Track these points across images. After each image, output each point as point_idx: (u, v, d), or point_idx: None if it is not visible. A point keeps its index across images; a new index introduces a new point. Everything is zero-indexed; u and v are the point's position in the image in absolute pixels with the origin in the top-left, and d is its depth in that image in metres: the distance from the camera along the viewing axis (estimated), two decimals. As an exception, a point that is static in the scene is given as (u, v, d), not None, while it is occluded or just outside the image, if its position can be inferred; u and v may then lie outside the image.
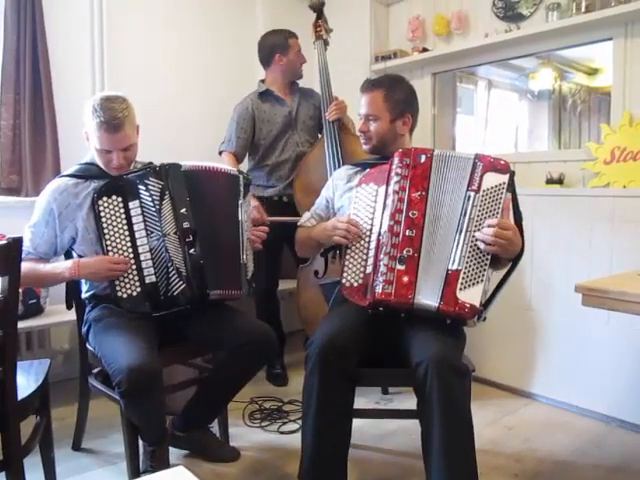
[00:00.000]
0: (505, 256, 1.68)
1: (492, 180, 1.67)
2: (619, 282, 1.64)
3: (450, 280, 1.63)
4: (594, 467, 2.07)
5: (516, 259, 1.72)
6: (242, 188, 2.00)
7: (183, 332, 1.96)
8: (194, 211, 1.91)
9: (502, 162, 1.70)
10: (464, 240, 1.64)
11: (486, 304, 1.67)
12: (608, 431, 2.36)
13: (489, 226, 1.61)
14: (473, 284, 1.62)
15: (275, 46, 2.92)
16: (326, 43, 2.97)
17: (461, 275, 1.62)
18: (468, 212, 1.66)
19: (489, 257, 1.64)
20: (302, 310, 2.80)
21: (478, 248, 1.64)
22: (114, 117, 1.80)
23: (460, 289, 1.61)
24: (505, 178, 1.67)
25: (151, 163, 1.97)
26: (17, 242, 1.41)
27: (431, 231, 1.70)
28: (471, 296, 1.61)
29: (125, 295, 1.85)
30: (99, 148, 1.86)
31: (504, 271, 1.75)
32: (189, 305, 1.89)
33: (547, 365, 2.63)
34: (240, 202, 1.98)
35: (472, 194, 1.67)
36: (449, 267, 1.64)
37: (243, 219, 1.98)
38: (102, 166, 1.91)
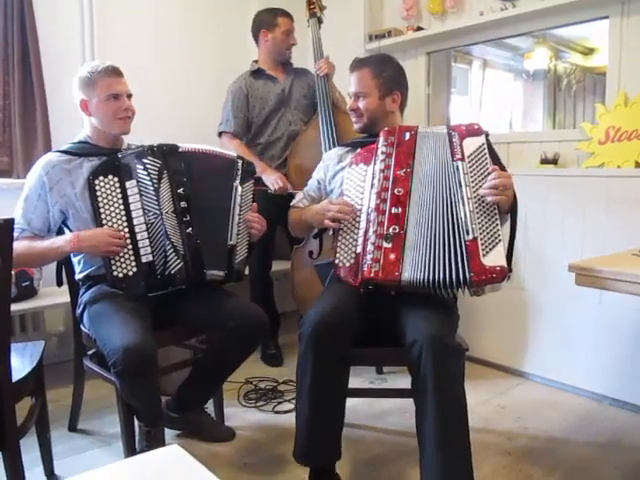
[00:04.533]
0: (506, 205, 1.69)
1: (472, 145, 1.72)
2: (612, 262, 1.65)
3: (472, 250, 1.62)
4: (586, 444, 2.10)
5: (514, 211, 1.74)
6: (240, 172, 2.00)
7: (177, 314, 1.96)
8: (191, 191, 1.91)
9: (475, 126, 1.75)
10: (469, 208, 1.65)
11: (508, 262, 1.66)
12: (600, 409, 2.39)
13: (491, 179, 1.65)
14: (493, 246, 1.62)
15: (262, 22, 2.90)
16: (320, 21, 2.94)
17: (479, 242, 1.62)
18: (462, 181, 1.67)
19: (498, 216, 1.65)
20: (296, 291, 2.80)
21: (485, 212, 1.64)
22: (114, 65, 1.93)
23: (483, 255, 1.61)
24: (482, 139, 1.72)
25: (145, 146, 1.96)
26: (8, 223, 1.40)
27: (419, 207, 1.70)
28: (496, 259, 1.61)
29: (121, 275, 1.84)
30: (108, 94, 1.89)
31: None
32: (185, 285, 1.89)
33: (540, 344, 2.66)
34: (235, 185, 1.97)
35: (459, 164, 1.69)
36: (465, 238, 1.63)
37: (236, 202, 1.97)
38: (107, 123, 1.92)
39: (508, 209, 1.72)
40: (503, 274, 1.60)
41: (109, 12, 2.97)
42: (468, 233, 1.63)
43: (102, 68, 1.90)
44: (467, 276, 1.60)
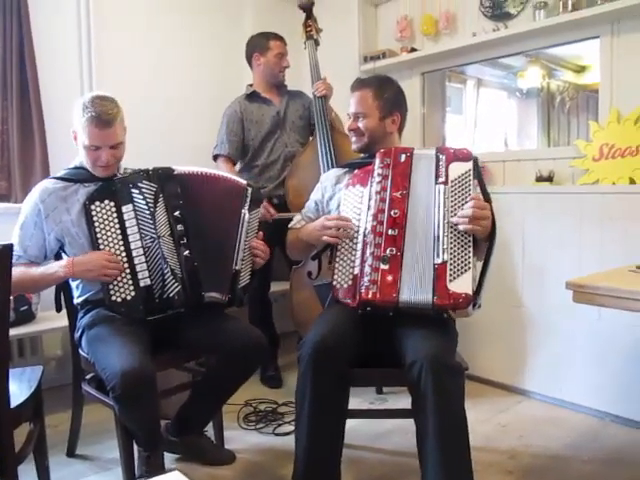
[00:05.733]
0: (483, 235, 1.69)
1: (458, 170, 1.73)
2: (609, 278, 1.65)
3: (439, 274, 1.64)
4: (588, 461, 2.09)
5: (492, 240, 1.73)
6: (249, 200, 2.01)
7: (176, 337, 1.95)
8: (188, 214, 1.92)
9: (464, 151, 1.75)
10: (443, 232, 1.67)
11: (477, 290, 1.67)
12: (601, 426, 2.38)
13: (467, 208, 1.65)
14: (461, 273, 1.63)
15: (255, 46, 2.95)
16: (317, 43, 2.98)
17: (448, 267, 1.64)
18: (441, 205, 1.69)
19: (471, 244, 1.66)
20: (295, 311, 2.80)
21: (459, 238, 1.66)
22: (105, 112, 1.81)
23: (450, 280, 1.63)
24: (470, 165, 1.73)
25: (141, 170, 1.97)
26: (7, 249, 1.40)
27: (413, 229, 1.71)
28: (462, 285, 1.62)
29: (119, 299, 1.83)
30: (88, 144, 1.84)
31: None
32: (183, 308, 1.89)
33: (540, 362, 2.65)
34: (243, 211, 1.99)
35: (441, 187, 1.71)
36: (435, 261, 1.65)
37: (244, 229, 1.97)
38: (89, 165, 1.91)
39: (485, 239, 1.71)
40: (467, 301, 1.62)
41: (106, 36, 3.00)
42: (438, 256, 1.66)
43: (90, 116, 1.79)
44: (431, 299, 1.62)
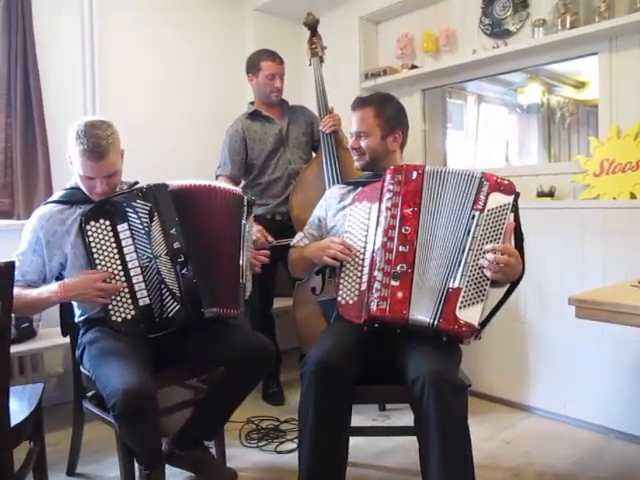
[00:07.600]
0: (505, 281, 1.69)
1: (497, 200, 1.67)
2: (612, 293, 1.64)
3: (450, 298, 1.63)
4: (593, 479, 2.06)
5: (516, 282, 1.72)
6: (246, 209, 1.99)
7: (182, 349, 1.95)
8: (184, 230, 1.91)
9: (507, 183, 1.70)
10: (466, 259, 1.64)
11: (483, 324, 1.67)
12: (607, 443, 2.36)
13: (489, 251, 1.61)
14: (473, 303, 1.62)
15: (248, 65, 2.96)
16: (322, 60, 2.96)
17: (462, 294, 1.62)
18: (472, 231, 1.66)
19: (490, 278, 1.64)
20: (299, 327, 2.78)
21: (480, 269, 1.64)
22: (98, 145, 1.78)
23: (460, 308, 1.61)
24: (510, 199, 1.67)
25: (137, 182, 1.96)
26: (9, 266, 1.40)
27: (425, 246, 1.70)
28: (470, 315, 1.61)
29: (120, 319, 1.83)
30: (82, 175, 1.84)
31: (502, 290, 1.75)
32: (185, 325, 1.88)
33: (543, 378, 2.63)
34: (243, 222, 1.97)
35: (477, 213, 1.67)
36: (450, 285, 1.64)
37: (245, 239, 1.96)
38: (85, 191, 1.90)
39: (508, 282, 1.71)
40: (470, 332, 1.62)
41: (110, 52, 3.04)
42: (455, 280, 1.64)
43: (82, 149, 1.78)
44: (436, 320, 1.62)
